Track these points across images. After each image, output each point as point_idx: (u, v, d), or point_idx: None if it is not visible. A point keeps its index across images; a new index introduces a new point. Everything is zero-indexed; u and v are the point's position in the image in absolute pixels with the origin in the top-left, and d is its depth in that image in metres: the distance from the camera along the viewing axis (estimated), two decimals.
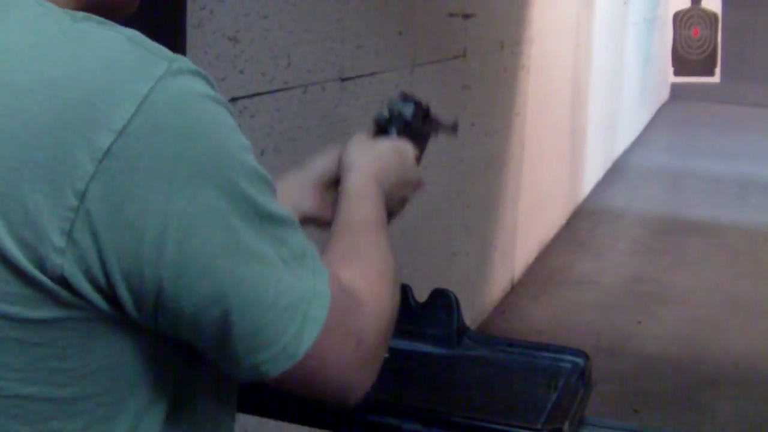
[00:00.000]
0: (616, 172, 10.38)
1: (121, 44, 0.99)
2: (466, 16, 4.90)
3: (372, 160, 1.53)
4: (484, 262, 5.81)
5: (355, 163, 1.52)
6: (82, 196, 0.95)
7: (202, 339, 1.05)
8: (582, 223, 8.32)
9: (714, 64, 9.06)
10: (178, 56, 1.01)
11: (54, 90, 0.96)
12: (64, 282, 0.97)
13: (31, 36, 0.99)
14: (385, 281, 1.25)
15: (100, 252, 0.97)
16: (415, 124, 1.67)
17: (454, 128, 1.89)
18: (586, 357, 1.93)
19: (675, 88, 14.78)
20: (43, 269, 0.97)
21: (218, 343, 1.04)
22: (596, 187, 9.50)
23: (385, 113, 1.65)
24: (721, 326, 6.14)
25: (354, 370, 1.13)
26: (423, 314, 2.11)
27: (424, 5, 4.30)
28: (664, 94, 15.56)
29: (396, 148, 1.59)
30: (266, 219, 1.03)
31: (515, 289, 6.50)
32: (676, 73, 9.30)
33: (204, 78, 1.02)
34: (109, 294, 0.99)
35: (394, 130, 1.64)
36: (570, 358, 1.93)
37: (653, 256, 7.61)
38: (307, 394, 1.12)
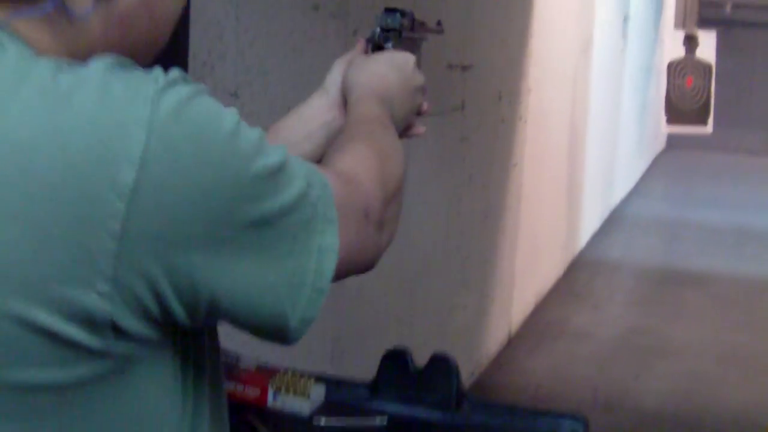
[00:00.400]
0: (613, 222, 10.39)
1: (105, 79, 0.98)
2: (464, 68, 4.90)
3: (370, 75, 1.58)
4: (481, 315, 5.78)
5: (355, 83, 1.57)
6: (120, 237, 0.95)
7: (254, 317, 1.07)
8: (579, 274, 8.31)
9: (707, 114, 9.09)
10: (156, 70, 1.01)
11: (58, 141, 0.95)
12: (112, 326, 0.98)
13: (21, 92, 0.98)
14: (381, 154, 1.33)
15: (149, 281, 0.98)
16: (405, 32, 1.72)
17: (439, 27, 1.94)
18: (585, 423, 1.95)
19: (671, 137, 14.84)
20: (87, 321, 0.96)
21: (274, 315, 1.07)
22: (593, 238, 9.50)
23: (377, 29, 1.69)
24: (719, 380, 6.13)
25: (371, 238, 1.23)
26: (422, 379, 2.13)
27: (423, 58, 4.29)
28: (661, 143, 15.62)
29: (392, 59, 1.63)
30: (277, 213, 1.04)
31: (512, 342, 6.47)
32: (669, 122, 9.34)
33: (182, 78, 1.02)
34: (160, 316, 1.00)
35: (389, 44, 1.68)
36: (569, 423, 1.96)
37: (650, 308, 7.60)
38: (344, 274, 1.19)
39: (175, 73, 1.01)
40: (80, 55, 1.07)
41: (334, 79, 1.64)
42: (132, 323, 0.98)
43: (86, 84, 0.98)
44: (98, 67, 1.00)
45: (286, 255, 1.06)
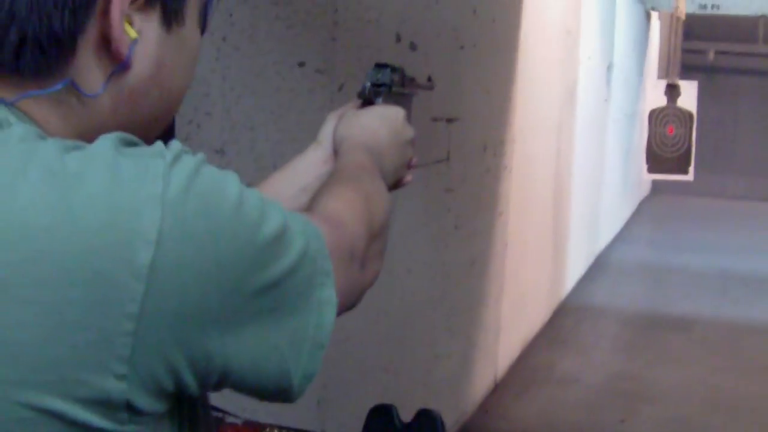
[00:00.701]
0: (598, 267, 10.42)
1: (113, 158, 0.98)
2: (449, 120, 4.96)
3: (360, 129, 1.61)
4: (467, 362, 5.81)
5: (346, 136, 1.60)
6: (137, 318, 0.94)
7: (260, 381, 1.08)
8: (565, 320, 8.33)
9: (688, 163, 9.15)
10: (160, 146, 1.00)
11: (71, 223, 0.94)
12: (126, 407, 0.96)
13: (28, 174, 0.97)
14: (365, 195, 1.37)
15: (165, 358, 0.97)
16: (395, 87, 1.75)
17: (429, 83, 2.00)
18: None
19: (656, 182, 14.89)
20: (103, 404, 0.95)
21: (278, 376, 1.08)
22: (579, 284, 9.53)
23: (367, 84, 1.72)
24: (705, 424, 6.14)
25: (356, 277, 1.26)
26: None
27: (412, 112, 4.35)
28: (645, 189, 15.67)
29: (381, 113, 1.66)
30: (284, 275, 1.05)
31: (498, 388, 6.49)
32: (650, 170, 9.39)
33: (184, 150, 1.01)
34: (173, 389, 1.00)
35: (379, 99, 1.71)
36: None
37: (636, 353, 7.62)
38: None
39: (177, 145, 1.01)
40: (89, 132, 1.07)
41: (327, 132, 1.66)
42: (147, 401, 0.98)
43: (95, 164, 0.97)
44: (105, 145, 0.99)
45: (289, 314, 1.06)
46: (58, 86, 1.06)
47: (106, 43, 1.07)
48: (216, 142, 2.88)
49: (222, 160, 2.89)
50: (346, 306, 1.24)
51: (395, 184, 1.67)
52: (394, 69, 1.75)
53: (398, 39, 4.15)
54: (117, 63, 1.08)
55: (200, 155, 1.02)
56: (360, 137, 1.59)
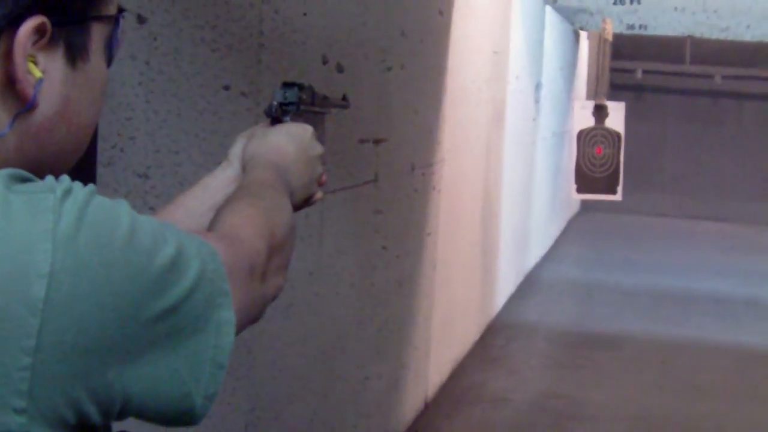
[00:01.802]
0: (528, 285, 10.47)
1: (3, 194, 0.98)
2: (377, 141, 4.96)
3: (267, 146, 1.62)
4: (397, 383, 5.81)
5: (253, 154, 1.61)
6: (34, 352, 0.94)
7: (162, 405, 1.08)
8: (495, 339, 8.36)
9: (616, 183, 9.24)
10: (51, 180, 1.01)
11: None
12: None
13: None
14: (265, 210, 1.38)
15: (65, 391, 0.97)
16: (304, 105, 1.75)
17: (344, 101, 1.99)
18: None
19: (584, 200, 15.02)
20: None
21: (179, 399, 1.08)
22: (509, 302, 9.57)
23: (274, 103, 1.72)
24: None
25: (257, 291, 1.26)
26: None
27: (335, 133, 4.35)
28: (574, 207, 15.78)
29: (288, 130, 1.66)
30: (181, 300, 1.06)
31: (429, 409, 6.50)
32: (579, 190, 9.49)
33: (74, 183, 1.02)
34: (76, 421, 0.99)
35: (287, 117, 1.71)
36: None
37: (566, 371, 7.66)
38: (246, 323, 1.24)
39: (66, 179, 1.02)
40: None
41: (237, 151, 1.67)
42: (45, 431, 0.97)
43: None
44: None
45: (188, 337, 1.07)
46: None
47: (10, 83, 1.07)
48: (140, 166, 2.86)
49: (146, 184, 2.88)
50: (249, 320, 1.25)
51: (306, 201, 1.68)
52: (302, 87, 1.75)
53: (325, 61, 4.15)
54: (22, 103, 1.08)
55: (90, 186, 1.03)
56: (266, 154, 1.61)
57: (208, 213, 1.60)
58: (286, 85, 1.74)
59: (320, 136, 1.76)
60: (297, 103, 1.73)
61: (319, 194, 1.72)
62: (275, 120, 1.71)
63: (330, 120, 1.90)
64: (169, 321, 1.04)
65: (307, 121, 1.74)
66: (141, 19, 2.85)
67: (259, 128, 1.70)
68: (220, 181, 1.66)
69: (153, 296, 1.02)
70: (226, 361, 1.11)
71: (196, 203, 1.64)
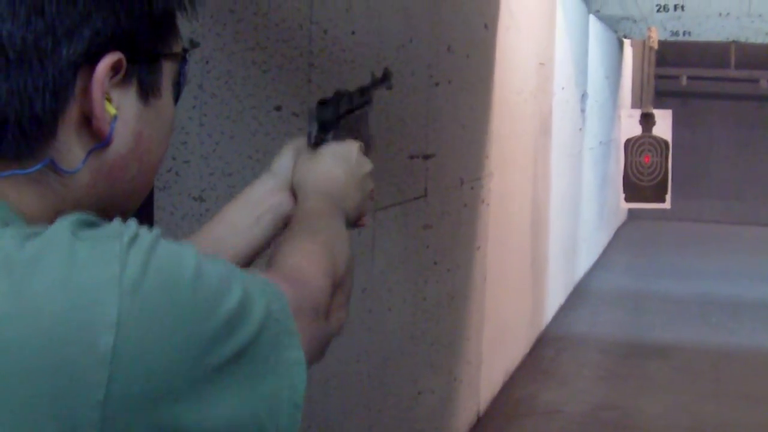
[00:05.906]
0: (577, 296, 10.43)
1: (69, 241, 0.96)
2: (426, 157, 4.98)
3: (316, 175, 1.58)
4: (449, 397, 5.81)
5: (303, 183, 1.57)
6: (103, 404, 0.92)
7: None
8: (546, 350, 8.34)
9: (665, 191, 9.19)
10: (118, 226, 1.00)
11: (28, 311, 0.93)
12: None
13: None
14: (325, 245, 1.35)
15: None
16: (343, 119, 1.68)
17: (384, 81, 1.90)
18: None
19: (632, 209, 14.97)
20: None
21: None
22: (558, 313, 9.54)
23: (312, 129, 1.65)
24: None
25: (322, 330, 1.26)
26: None
27: (385, 150, 4.37)
28: (622, 215, 15.72)
29: (334, 153, 1.61)
30: (249, 342, 1.03)
31: (481, 422, 6.49)
32: (627, 199, 9.43)
33: (142, 230, 1.00)
34: None
35: (329, 135, 1.64)
36: None
37: (617, 381, 7.63)
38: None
39: (133, 224, 1.00)
40: (66, 208, 1.06)
41: (282, 163, 1.63)
42: None
43: (51, 249, 0.96)
44: (61, 230, 0.98)
45: (261, 379, 1.04)
46: (38, 166, 1.05)
47: (86, 120, 1.07)
48: (195, 189, 2.88)
49: (201, 207, 2.90)
50: (315, 359, 1.24)
51: (358, 218, 1.65)
52: (339, 100, 1.68)
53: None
54: (97, 140, 1.08)
55: (156, 231, 1.01)
56: (315, 182, 1.57)
57: (252, 227, 1.60)
58: (322, 104, 1.67)
59: (367, 135, 1.72)
60: (334, 122, 1.66)
61: (365, 220, 1.68)
62: (318, 141, 1.64)
63: (379, 135, 1.83)
64: (238, 365, 1.02)
65: (350, 128, 1.69)
66: (193, 44, 2.88)
67: (306, 147, 1.65)
68: (262, 194, 1.62)
69: (221, 341, 1.00)
70: (301, 400, 1.09)
71: (238, 217, 1.61)
